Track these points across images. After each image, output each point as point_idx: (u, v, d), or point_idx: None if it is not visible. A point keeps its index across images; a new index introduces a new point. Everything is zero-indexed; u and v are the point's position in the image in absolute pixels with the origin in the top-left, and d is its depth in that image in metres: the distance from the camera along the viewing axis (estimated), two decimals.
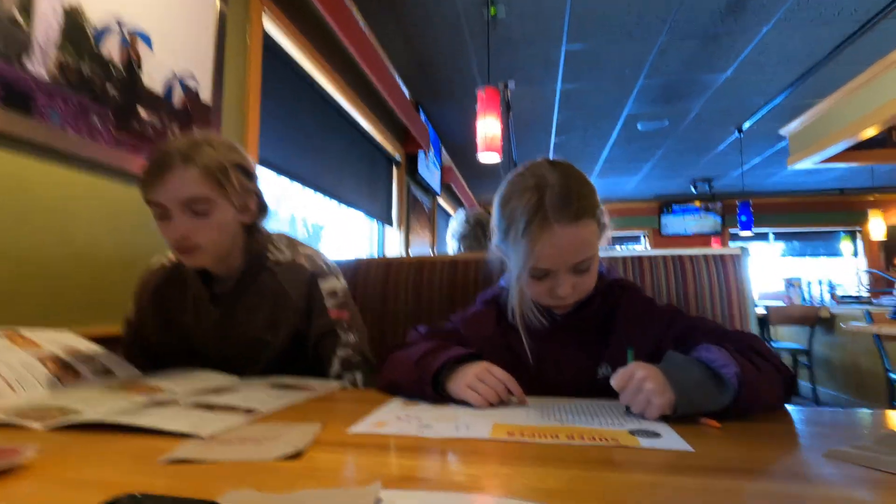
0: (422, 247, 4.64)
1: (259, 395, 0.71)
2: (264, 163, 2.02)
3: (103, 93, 1.24)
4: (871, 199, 7.05)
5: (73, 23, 1.16)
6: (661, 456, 0.46)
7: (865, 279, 5.99)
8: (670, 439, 0.51)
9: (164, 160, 0.84)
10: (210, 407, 0.63)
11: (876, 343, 2.87)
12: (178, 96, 1.51)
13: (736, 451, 0.47)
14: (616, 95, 3.91)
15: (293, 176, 2.34)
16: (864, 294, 5.43)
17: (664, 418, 0.58)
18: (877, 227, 6.46)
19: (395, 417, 0.59)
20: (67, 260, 1.13)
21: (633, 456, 0.46)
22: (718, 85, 3.70)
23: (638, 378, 0.60)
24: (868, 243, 7.12)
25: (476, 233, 1.75)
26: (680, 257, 1.29)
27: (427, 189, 4.74)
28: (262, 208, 0.99)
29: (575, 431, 0.53)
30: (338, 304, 0.98)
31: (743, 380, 0.58)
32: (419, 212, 4.58)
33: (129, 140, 1.31)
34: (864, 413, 0.64)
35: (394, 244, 3.98)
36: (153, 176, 0.84)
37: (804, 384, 4.33)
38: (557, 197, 0.70)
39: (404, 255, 4.06)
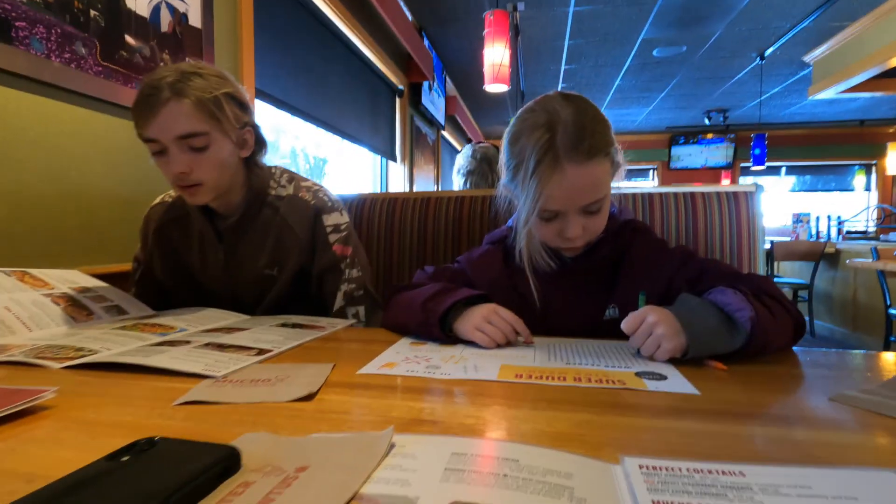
0: (426, 182, 4.57)
1: (269, 335, 0.72)
2: (261, 95, 1.94)
3: (86, 17, 1.16)
4: (892, 130, 6.80)
5: None
6: (667, 399, 0.46)
7: (875, 214, 5.92)
8: (676, 382, 0.51)
9: (155, 94, 0.80)
10: (222, 346, 0.64)
11: (879, 279, 2.89)
12: (165, 20, 1.42)
13: (742, 395, 0.48)
14: (632, 18, 3.66)
15: (291, 109, 2.25)
16: (872, 230, 5.39)
17: (672, 360, 0.59)
18: (894, 160, 6.28)
19: (403, 359, 0.60)
20: (63, 198, 1.11)
21: (640, 399, 0.46)
22: (742, 6, 3.44)
23: (649, 322, 0.60)
24: (882, 178, 6.96)
25: (482, 168, 1.71)
26: (692, 194, 1.26)
27: (431, 121, 4.59)
28: (260, 142, 0.96)
29: (582, 373, 0.54)
30: (341, 239, 0.98)
31: (757, 324, 0.57)
32: (423, 145, 4.46)
33: (117, 69, 1.24)
34: (871, 355, 0.64)
35: (397, 179, 3.92)
36: (145, 111, 0.80)
37: (822, 352, 4.42)
38: (569, 135, 0.67)
39: (408, 190, 4.01)
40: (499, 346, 0.66)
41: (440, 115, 4.67)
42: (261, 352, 0.62)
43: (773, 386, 0.51)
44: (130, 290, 1.05)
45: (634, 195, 1.29)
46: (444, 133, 5.29)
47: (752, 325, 0.57)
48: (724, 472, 0.30)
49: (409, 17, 3.57)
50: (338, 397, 0.46)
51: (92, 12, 1.18)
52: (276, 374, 0.52)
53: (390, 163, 3.84)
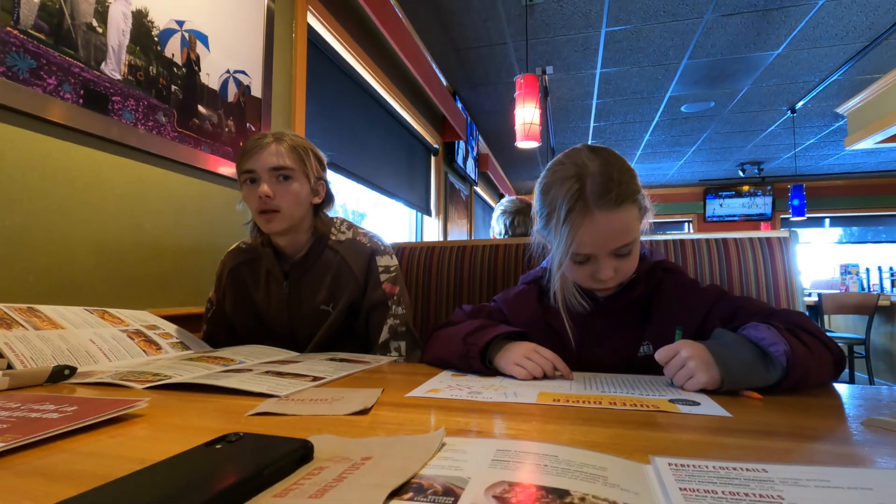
0: (459, 235, 4.69)
1: (320, 367, 0.78)
2: None
3: (168, 91, 1.34)
4: None
5: (140, 25, 1.26)
6: (699, 420, 0.49)
7: None
8: (709, 407, 0.53)
9: (262, 139, 1.01)
10: (281, 374, 0.70)
11: None
12: (232, 92, 1.61)
13: (775, 418, 0.50)
14: (658, 78, 3.80)
15: (336, 167, 2.42)
16: None
17: (706, 391, 0.61)
18: None
19: (446, 386, 0.64)
20: (137, 247, 1.24)
21: (673, 419, 0.49)
22: (769, 63, 3.54)
23: (683, 356, 0.62)
24: None
25: (524, 209, 1.78)
26: (724, 240, 1.27)
27: (464, 177, 4.77)
28: (329, 196, 1.13)
29: (616, 399, 0.57)
30: (391, 280, 1.08)
31: (792, 358, 0.59)
32: (457, 200, 4.62)
33: (190, 135, 1.41)
34: None
35: (432, 233, 4.05)
36: (252, 150, 1.00)
37: (861, 376, 4.13)
38: (597, 184, 0.72)
39: None
40: (535, 379, 0.69)
41: (473, 172, 4.85)
42: (315, 378, 0.68)
43: (806, 412, 0.53)
44: (202, 328, 1.16)
45: (666, 242, 1.31)
46: (477, 189, 5.47)
47: (787, 360, 0.59)
48: (747, 469, 0.33)
49: (444, 81, 3.84)
50: (390, 413, 0.51)
51: (173, 87, 1.36)
52: (332, 396, 0.58)
53: (425, 217, 3.99)
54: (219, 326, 1.15)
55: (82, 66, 1.10)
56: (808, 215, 5.86)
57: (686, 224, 7.73)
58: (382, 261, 1.09)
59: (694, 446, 0.41)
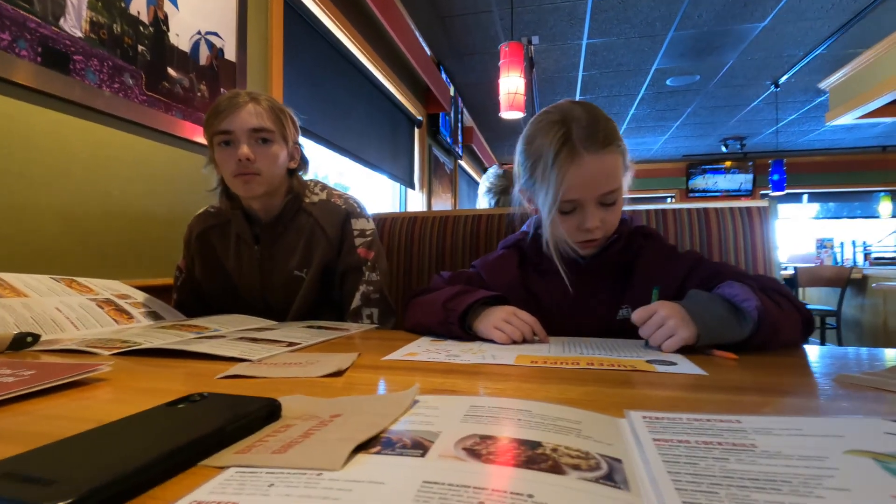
0: (444, 208, 4.66)
1: (297, 333, 0.76)
2: None
3: (134, 52, 1.27)
4: None
5: None
6: (676, 378, 0.49)
7: None
8: (686, 367, 0.53)
9: (236, 97, 0.96)
10: (255, 340, 0.68)
11: None
12: (204, 54, 1.53)
13: (749, 377, 0.50)
14: (644, 49, 3.76)
15: (317, 137, 2.36)
16: None
17: (682, 350, 0.61)
18: None
19: (424, 350, 0.64)
20: (106, 216, 1.20)
21: (649, 378, 0.49)
22: (754, 36, 3.52)
23: (661, 314, 0.62)
24: None
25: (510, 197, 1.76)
26: (705, 210, 1.28)
27: (449, 150, 4.71)
28: (304, 161, 1.09)
29: (594, 360, 0.57)
30: (366, 244, 1.05)
31: (763, 314, 0.60)
32: (441, 174, 4.57)
33: (160, 99, 1.35)
34: (881, 351, 0.65)
35: (416, 207, 4.01)
36: (226, 109, 0.95)
37: (832, 346, 4.28)
38: (584, 128, 0.72)
39: None
40: (515, 342, 0.69)
41: (458, 145, 4.79)
42: (290, 344, 0.66)
43: (779, 370, 0.53)
44: (172, 297, 1.12)
45: (648, 212, 1.31)
46: (461, 162, 5.41)
47: (758, 314, 0.60)
48: (721, 421, 0.33)
49: (428, 51, 3.74)
50: (366, 375, 0.50)
51: (140, 47, 1.30)
52: (306, 360, 0.56)
53: (409, 190, 3.94)
54: (190, 295, 1.12)
55: (39, 20, 1.03)
56: (787, 191, 5.94)
57: (669, 199, 7.80)
58: (358, 224, 1.06)
59: (669, 401, 0.41)
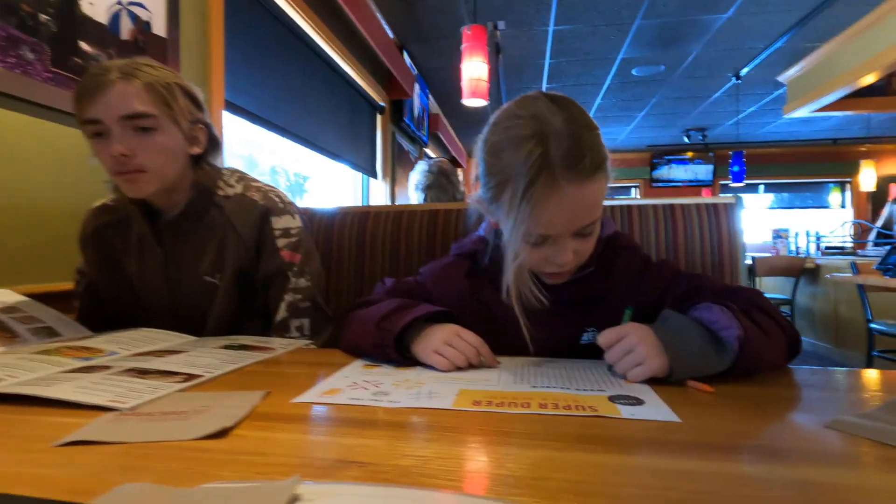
0: (408, 199, 4.53)
1: (207, 358, 0.64)
2: (232, 107, 1.88)
3: (35, 21, 1.10)
4: (864, 149, 6.97)
5: None
6: (643, 429, 0.40)
7: (851, 230, 6.03)
8: (655, 407, 0.45)
9: (102, 75, 0.77)
10: (145, 372, 0.56)
11: (859, 293, 2.89)
12: (126, 28, 1.36)
13: (729, 422, 0.42)
14: (611, 38, 3.71)
15: (266, 123, 2.19)
16: (849, 245, 5.47)
17: (652, 381, 0.53)
18: (867, 177, 6.42)
19: (350, 384, 0.53)
20: (3, 211, 1.03)
21: (611, 429, 0.40)
22: (718, 26, 3.51)
23: (630, 340, 0.54)
24: (856, 195, 7.11)
25: (441, 182, 1.67)
26: (671, 206, 1.22)
27: (414, 138, 4.57)
28: (213, 142, 0.92)
29: (549, 398, 0.48)
30: (291, 245, 0.90)
31: (745, 343, 0.52)
32: (406, 162, 4.43)
33: (70, 76, 1.17)
34: (866, 373, 0.59)
35: (379, 196, 3.87)
36: (90, 91, 0.76)
37: (816, 371, 4.43)
38: (566, 149, 0.56)
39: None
40: (459, 368, 0.59)
41: (423, 132, 4.66)
42: (189, 377, 0.55)
43: (763, 411, 0.45)
44: (75, 305, 0.97)
45: (613, 208, 1.25)
46: (428, 150, 5.28)
47: (739, 345, 0.52)
48: None
49: (390, 34, 3.57)
50: (257, 433, 0.39)
51: (42, 17, 1.12)
52: (194, 405, 0.45)
53: (372, 180, 3.79)
54: (93, 302, 0.96)
55: None
56: (745, 181, 6.08)
57: (633, 189, 7.89)
58: (280, 222, 0.90)
59: (636, 476, 0.32)
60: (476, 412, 0.44)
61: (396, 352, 0.61)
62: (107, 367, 0.58)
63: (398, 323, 0.62)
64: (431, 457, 0.34)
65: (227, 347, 0.73)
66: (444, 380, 0.55)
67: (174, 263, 0.89)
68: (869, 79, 3.73)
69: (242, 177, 0.95)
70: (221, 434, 0.38)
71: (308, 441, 0.37)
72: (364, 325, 0.66)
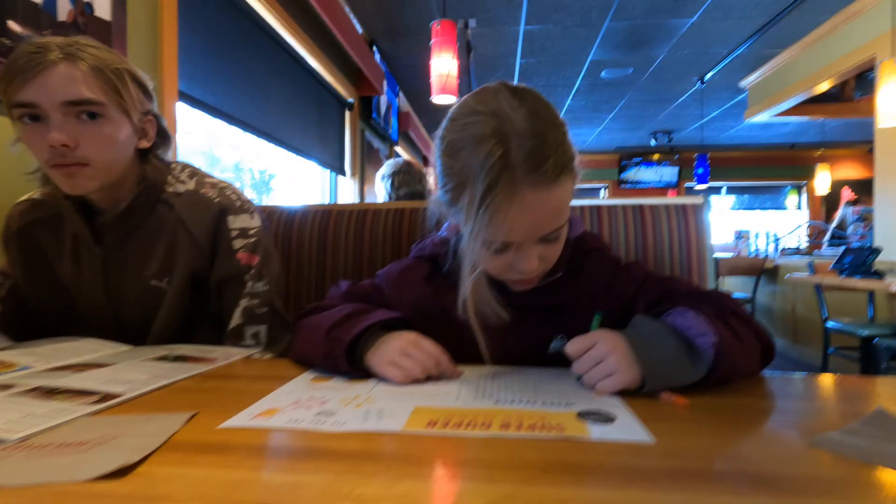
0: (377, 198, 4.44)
1: (133, 373, 0.57)
2: (186, 98, 1.77)
3: None
4: (819, 154, 7.28)
5: None
6: (614, 453, 0.36)
7: (807, 231, 6.28)
8: (626, 425, 0.41)
9: (41, 53, 0.67)
10: (53, 392, 0.49)
11: (817, 293, 2.98)
12: (63, 8, 1.25)
13: (706, 441, 0.38)
14: (581, 39, 3.72)
15: (225, 116, 2.08)
16: (805, 246, 5.69)
17: (623, 392, 0.49)
18: (822, 181, 6.70)
19: (292, 402, 0.47)
20: None
21: (579, 454, 0.36)
22: (684, 31, 3.57)
23: (601, 349, 0.51)
24: (812, 198, 7.42)
25: (410, 178, 1.63)
26: (640, 207, 1.21)
27: (384, 136, 4.48)
28: (163, 136, 0.84)
29: (512, 416, 0.43)
30: (248, 247, 0.83)
31: (721, 351, 0.49)
32: (375, 160, 4.34)
33: None
34: (840, 379, 0.57)
35: (348, 195, 3.78)
36: (25, 70, 0.66)
37: (790, 379, 4.55)
38: (528, 150, 0.51)
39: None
40: (417, 381, 0.54)
41: (393, 130, 4.58)
42: (105, 397, 0.48)
43: (741, 427, 0.42)
44: None
45: (582, 208, 1.23)
46: (398, 149, 5.20)
47: (715, 353, 0.49)
48: None
49: (359, 29, 3.49)
50: (167, 470, 0.33)
51: None
52: (100, 433, 0.38)
53: (340, 178, 3.70)
54: (17, 308, 0.85)
55: None
56: (708, 183, 6.25)
57: (602, 190, 8.01)
58: (237, 221, 0.83)
59: None
60: (430, 436, 0.39)
61: (348, 363, 0.55)
62: (10, 387, 0.50)
63: (350, 332, 0.56)
64: (372, 497, 0.29)
65: (161, 359, 0.66)
66: (400, 394, 0.50)
67: (115, 266, 0.81)
68: (824, 86, 3.87)
69: (195, 172, 0.87)
70: (121, 473, 0.32)
71: (228, 480, 0.32)
72: (313, 335, 0.60)
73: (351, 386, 0.53)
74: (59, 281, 0.83)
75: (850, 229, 4.38)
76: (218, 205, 0.82)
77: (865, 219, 4.23)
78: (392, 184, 1.65)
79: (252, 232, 0.84)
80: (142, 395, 0.50)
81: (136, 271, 0.81)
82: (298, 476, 0.32)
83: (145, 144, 0.80)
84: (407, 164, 1.67)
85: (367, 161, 4.06)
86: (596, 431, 0.40)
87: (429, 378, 0.55)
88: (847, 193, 6.32)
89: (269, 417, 0.43)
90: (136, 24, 1.50)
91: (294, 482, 0.31)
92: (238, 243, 0.82)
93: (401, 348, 0.55)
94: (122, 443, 0.36)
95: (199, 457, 0.35)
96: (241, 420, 0.42)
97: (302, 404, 0.46)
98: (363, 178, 3.96)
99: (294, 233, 1.31)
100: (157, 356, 0.67)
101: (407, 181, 1.63)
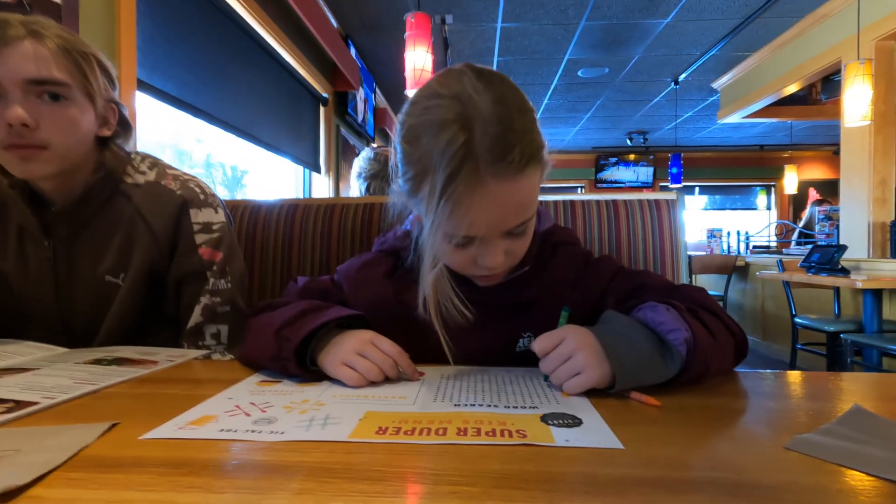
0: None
1: (58, 378, 0.52)
2: (145, 87, 1.68)
3: None
4: (787, 155, 7.49)
5: None
6: (580, 460, 0.33)
7: (776, 230, 6.45)
8: (594, 430, 0.38)
9: (2, 27, 0.64)
10: None
11: (785, 290, 3.04)
12: None
13: (678, 446, 0.35)
14: (558, 38, 3.73)
15: (189, 107, 2.00)
16: (774, 244, 5.84)
17: (591, 392, 0.46)
18: (791, 181, 6.89)
19: (231, 408, 0.43)
20: None
21: (541, 462, 0.32)
22: (658, 31, 3.61)
23: (568, 346, 0.48)
24: (780, 197, 7.63)
25: (387, 172, 1.57)
26: (614, 202, 1.19)
27: (360, 132, 4.41)
28: (124, 125, 0.79)
29: (471, 420, 0.40)
30: (211, 242, 0.78)
31: (694, 347, 0.47)
32: (351, 157, 4.27)
33: None
34: (814, 377, 0.55)
35: (322, 192, 3.70)
36: None
37: (762, 375, 4.64)
38: (492, 137, 0.48)
39: None
40: (373, 383, 0.50)
41: (369, 126, 4.51)
42: (16, 405, 0.42)
43: (714, 429, 0.40)
44: None
45: (556, 202, 1.21)
46: (375, 145, 5.13)
47: (688, 349, 0.46)
48: None
49: (334, 23, 3.42)
50: (63, 492, 0.28)
51: None
52: (5, 447, 0.33)
53: (315, 175, 3.62)
54: None
55: None
56: (682, 183, 6.36)
57: (579, 189, 8.09)
58: (201, 215, 0.78)
59: None
60: (378, 444, 0.35)
61: (298, 365, 0.51)
62: None
63: (301, 331, 0.51)
64: None
65: (96, 362, 0.60)
66: (351, 398, 0.46)
67: (66, 260, 0.75)
68: (792, 88, 3.96)
69: (156, 163, 0.82)
70: (7, 497, 0.27)
71: (135, 500, 0.27)
72: (262, 334, 0.55)
73: (300, 390, 0.49)
74: (1, 276, 0.76)
75: (817, 228, 4.50)
76: (180, 197, 0.78)
77: (831, 218, 4.36)
78: (368, 188, 1.60)
79: (216, 227, 0.79)
80: (61, 404, 0.44)
81: (89, 266, 0.75)
82: (217, 495, 0.28)
83: (106, 133, 0.75)
84: (385, 164, 1.61)
85: (342, 158, 3.98)
86: (560, 436, 0.36)
87: (386, 380, 0.51)
88: (814, 194, 6.52)
89: (199, 427, 0.38)
90: (90, 7, 1.42)
91: (208, 501, 0.27)
92: (200, 238, 0.77)
93: (355, 348, 0.51)
94: (17, 460, 0.32)
95: (105, 475, 0.31)
96: (166, 431, 0.37)
97: (241, 411, 0.42)
98: (339, 175, 3.89)
99: (258, 227, 1.26)
100: (92, 359, 0.61)
101: (384, 188, 1.58)
